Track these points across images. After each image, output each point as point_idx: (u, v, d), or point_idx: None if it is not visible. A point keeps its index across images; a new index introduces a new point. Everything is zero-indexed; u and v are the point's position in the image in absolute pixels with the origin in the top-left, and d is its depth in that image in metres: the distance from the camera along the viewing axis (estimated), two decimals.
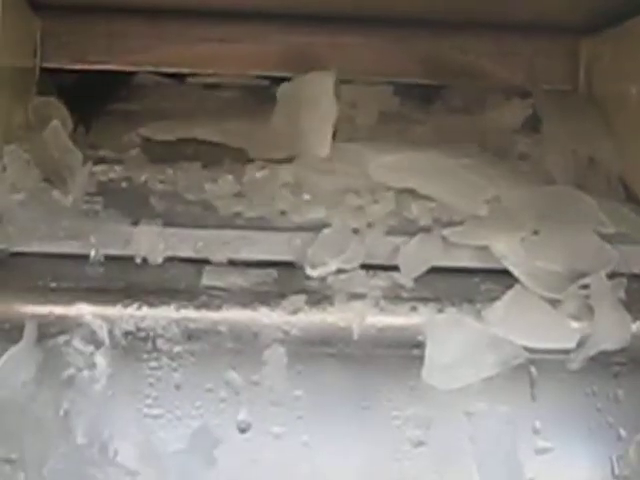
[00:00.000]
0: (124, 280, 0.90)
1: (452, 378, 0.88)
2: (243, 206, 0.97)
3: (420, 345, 0.88)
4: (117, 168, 1.02)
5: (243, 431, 0.89)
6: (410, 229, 0.94)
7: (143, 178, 1.01)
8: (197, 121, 1.12)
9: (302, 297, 0.89)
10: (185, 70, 1.23)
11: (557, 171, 1.07)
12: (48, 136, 1.00)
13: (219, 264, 0.92)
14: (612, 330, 0.89)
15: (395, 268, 0.92)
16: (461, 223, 0.95)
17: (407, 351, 0.89)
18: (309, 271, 0.92)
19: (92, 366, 0.87)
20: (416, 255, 0.93)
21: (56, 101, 1.07)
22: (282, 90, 1.12)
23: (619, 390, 0.92)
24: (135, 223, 0.92)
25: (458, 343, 0.89)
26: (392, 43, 1.25)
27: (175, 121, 1.11)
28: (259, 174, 1.02)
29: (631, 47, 1.10)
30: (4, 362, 0.87)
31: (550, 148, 1.10)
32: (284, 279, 0.92)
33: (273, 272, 0.92)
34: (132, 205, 0.96)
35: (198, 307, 0.88)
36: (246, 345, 0.89)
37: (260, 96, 1.21)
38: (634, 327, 0.90)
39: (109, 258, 0.92)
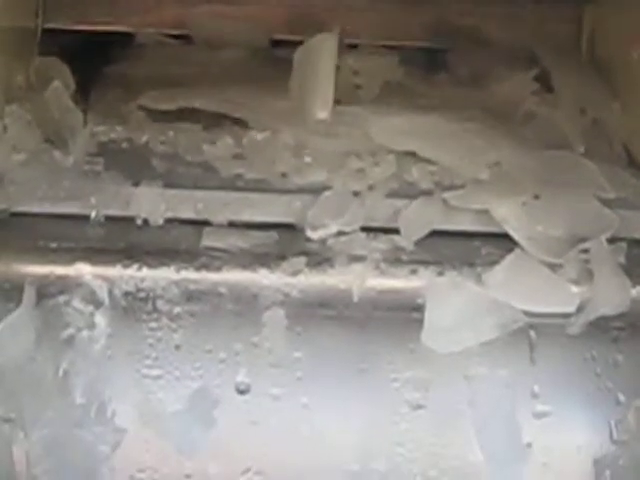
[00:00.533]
0: (124, 241, 0.90)
1: (451, 341, 0.88)
2: (244, 168, 0.97)
3: (420, 308, 0.89)
4: (118, 129, 1.01)
5: (242, 392, 0.89)
6: (411, 192, 0.94)
7: (144, 139, 1.00)
8: (199, 89, 1.08)
9: (302, 259, 0.89)
10: (187, 32, 1.20)
11: (568, 128, 1.07)
12: (49, 96, 1.00)
13: (219, 225, 0.92)
14: (612, 295, 0.90)
15: (396, 231, 0.92)
16: (462, 187, 0.95)
17: (407, 314, 0.90)
18: (309, 233, 0.92)
19: (92, 326, 0.88)
20: (417, 218, 0.93)
21: (58, 61, 1.07)
22: (295, 57, 1.10)
23: (618, 355, 0.92)
24: (136, 184, 0.93)
25: (458, 306, 0.89)
26: (397, 6, 1.24)
27: (176, 89, 1.08)
28: (260, 136, 1.01)
29: (631, 14, 1.09)
30: (3, 327, 0.88)
31: (560, 106, 1.11)
32: (284, 241, 0.92)
33: (273, 234, 0.92)
34: (133, 166, 0.96)
35: (198, 268, 0.89)
36: (246, 307, 0.89)
37: (264, 58, 1.21)
38: (634, 292, 0.90)
39: (109, 219, 0.92)
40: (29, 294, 0.88)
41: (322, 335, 0.91)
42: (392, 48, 1.22)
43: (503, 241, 0.92)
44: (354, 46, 1.21)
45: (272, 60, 1.18)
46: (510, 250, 0.90)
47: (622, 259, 0.92)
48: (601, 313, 0.89)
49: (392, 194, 0.94)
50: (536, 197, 0.95)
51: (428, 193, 0.95)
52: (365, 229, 0.92)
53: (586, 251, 0.91)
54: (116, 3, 1.22)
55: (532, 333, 0.91)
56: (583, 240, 0.92)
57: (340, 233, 0.92)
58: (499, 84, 1.15)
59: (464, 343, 0.88)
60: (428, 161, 1.00)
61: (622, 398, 0.92)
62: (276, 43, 1.23)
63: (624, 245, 0.93)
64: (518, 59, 1.21)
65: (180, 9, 1.22)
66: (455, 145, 1.02)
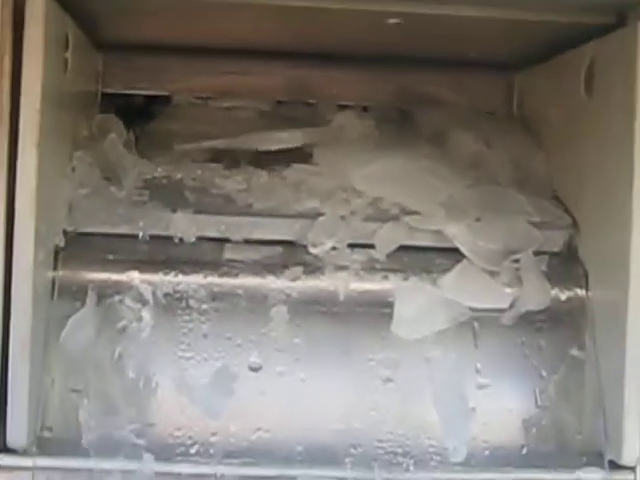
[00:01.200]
0: (165, 254, 0.94)
1: (414, 331, 0.92)
2: (255, 199, 0.99)
3: (390, 305, 0.93)
4: (159, 169, 1.03)
5: (254, 370, 0.91)
6: (383, 217, 0.97)
7: (179, 176, 1.02)
8: (220, 138, 1.10)
9: (300, 268, 0.93)
10: (211, 95, 1.22)
11: (502, 172, 1.08)
12: (107, 145, 1.02)
13: (237, 242, 0.95)
14: (536, 295, 0.94)
15: (371, 246, 0.96)
16: (421, 213, 0.97)
17: (380, 310, 0.94)
18: (311, 249, 0.95)
19: (139, 319, 0.91)
20: (387, 237, 0.96)
21: (114, 118, 1.08)
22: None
23: (541, 341, 0.94)
24: (173, 211, 0.96)
25: (419, 304, 0.93)
26: (373, 76, 1.25)
27: (202, 138, 1.10)
28: (267, 175, 1.03)
29: (553, 79, 1.10)
30: (73, 321, 0.90)
31: (496, 158, 1.11)
32: (286, 254, 0.95)
33: (278, 249, 0.95)
34: (171, 197, 0.98)
35: (221, 275, 0.93)
36: (257, 305, 0.93)
37: (270, 116, 1.22)
38: (553, 293, 0.95)
39: (153, 237, 0.95)
40: (92, 296, 0.91)
41: (316, 326, 0.93)
42: (367, 109, 1.24)
43: (453, 254, 0.96)
44: (342, 106, 1.21)
45: (277, 117, 1.19)
46: (459, 261, 0.95)
47: (544, 267, 0.96)
48: (528, 309, 0.94)
49: (369, 218, 0.97)
50: (478, 220, 0.97)
51: (396, 218, 0.97)
52: (349, 245, 0.96)
53: (517, 261, 0.96)
54: (156, 73, 1.22)
55: (475, 324, 0.94)
56: (515, 252, 0.96)
57: (332, 248, 0.95)
58: (452, 137, 1.14)
59: (424, 332, 0.92)
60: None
61: (544, 373, 0.94)
62: (279, 103, 1.23)
63: (546, 257, 0.97)
64: (467, 117, 1.20)
65: (205, 78, 1.23)
66: (417, 184, 1.01)
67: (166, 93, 1.21)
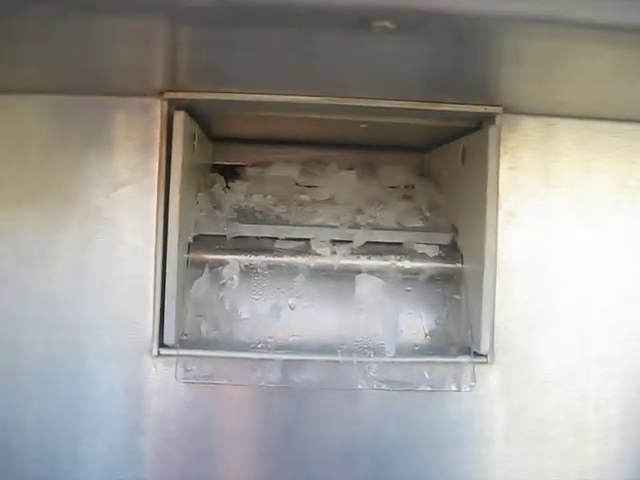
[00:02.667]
0: (244, 245, 0.99)
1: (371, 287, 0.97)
2: (290, 217, 1.02)
3: (360, 271, 0.98)
4: (241, 204, 1.04)
5: (290, 307, 0.96)
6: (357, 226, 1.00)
7: (251, 206, 1.04)
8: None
9: (313, 253, 0.98)
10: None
11: (419, 203, 1.07)
12: (215, 190, 1.05)
13: (281, 239, 0.99)
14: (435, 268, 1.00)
15: (350, 242, 0.99)
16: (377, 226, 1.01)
17: (356, 275, 0.98)
18: (314, 246, 0.99)
19: (232, 279, 0.97)
20: (360, 237, 1.00)
21: (218, 175, 1.09)
22: None
23: (438, 290, 0.99)
24: (248, 223, 0.99)
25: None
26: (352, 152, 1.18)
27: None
28: (296, 203, 1.05)
29: (445, 156, 1.09)
30: (197, 283, 0.97)
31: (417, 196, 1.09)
32: (306, 245, 0.99)
33: (302, 243, 0.99)
34: (246, 216, 1.01)
35: (273, 256, 0.98)
36: (289, 273, 0.98)
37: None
38: (444, 265, 1.00)
39: (237, 237, 0.99)
40: (206, 267, 0.97)
41: (321, 283, 0.98)
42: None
43: (398, 247, 1.00)
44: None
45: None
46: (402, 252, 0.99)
47: (440, 252, 1.00)
48: (433, 274, 0.99)
49: (351, 227, 1.00)
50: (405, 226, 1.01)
51: (364, 227, 1.00)
52: (337, 241, 0.99)
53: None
54: (240, 153, 1.19)
55: (406, 282, 0.98)
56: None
57: (332, 242, 0.99)
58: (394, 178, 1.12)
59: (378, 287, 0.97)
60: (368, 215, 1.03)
61: (440, 307, 0.99)
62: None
63: (438, 247, 1.00)
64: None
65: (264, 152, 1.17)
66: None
67: (244, 163, 1.17)
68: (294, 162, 1.13)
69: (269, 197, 1.06)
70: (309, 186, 1.10)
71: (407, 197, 1.10)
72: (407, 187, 1.13)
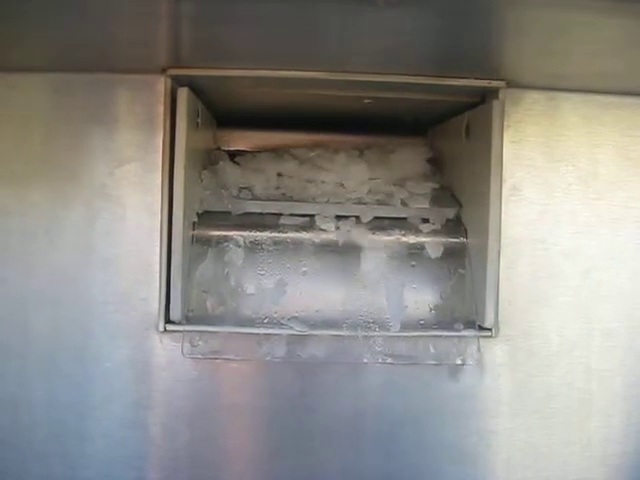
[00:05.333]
0: (249, 221, 0.99)
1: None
2: (295, 193, 1.03)
3: (363, 248, 0.98)
4: (243, 181, 1.03)
5: (297, 284, 0.96)
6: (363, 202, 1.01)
7: (254, 184, 1.03)
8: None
9: (318, 229, 0.98)
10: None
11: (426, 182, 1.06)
12: (219, 167, 1.04)
13: (286, 215, 0.99)
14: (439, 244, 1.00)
15: (358, 217, 0.99)
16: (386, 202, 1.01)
17: (359, 249, 0.98)
18: (319, 222, 0.98)
19: (237, 254, 0.97)
20: (364, 213, 1.00)
21: (223, 152, 1.09)
22: None
23: (444, 264, 0.99)
24: (252, 199, 1.00)
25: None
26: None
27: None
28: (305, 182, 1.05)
29: (450, 131, 1.08)
30: (207, 261, 0.97)
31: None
32: (310, 221, 0.99)
33: (307, 219, 0.99)
34: (250, 194, 1.01)
35: (278, 232, 0.98)
36: (297, 247, 0.98)
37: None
38: (450, 240, 1.00)
39: (242, 213, 0.99)
40: (212, 243, 0.98)
41: (326, 259, 0.98)
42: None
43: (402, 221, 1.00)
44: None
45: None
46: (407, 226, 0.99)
47: (445, 226, 1.00)
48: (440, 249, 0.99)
49: (357, 203, 1.01)
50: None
51: (369, 203, 1.01)
52: (341, 216, 0.99)
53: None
54: (242, 139, 1.20)
55: (412, 257, 0.99)
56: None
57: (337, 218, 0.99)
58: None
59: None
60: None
61: (445, 281, 0.99)
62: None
63: (445, 221, 1.01)
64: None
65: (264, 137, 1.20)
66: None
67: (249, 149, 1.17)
68: (301, 148, 1.13)
69: (274, 175, 1.06)
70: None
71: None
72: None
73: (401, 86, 0.92)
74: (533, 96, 0.96)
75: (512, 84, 0.93)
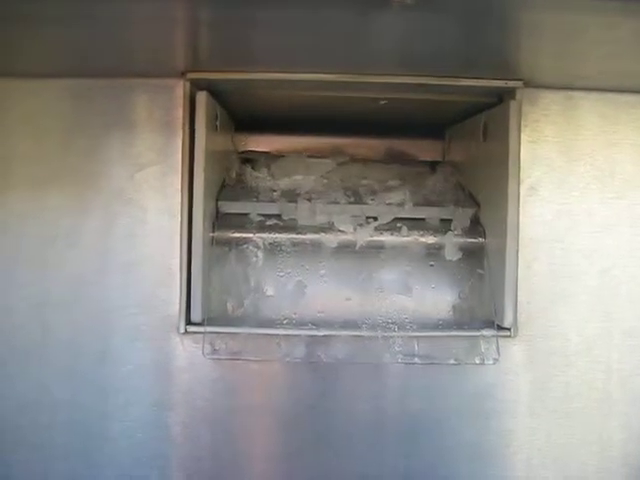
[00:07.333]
0: (269, 223, 0.98)
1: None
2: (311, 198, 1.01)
3: (383, 247, 0.98)
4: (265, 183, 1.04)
5: (316, 285, 0.97)
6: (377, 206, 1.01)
7: (272, 187, 1.03)
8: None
9: (334, 232, 0.98)
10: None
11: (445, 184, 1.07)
12: (239, 170, 1.06)
13: (305, 217, 0.98)
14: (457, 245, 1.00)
15: (375, 218, 0.99)
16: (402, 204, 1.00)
17: (378, 251, 0.99)
18: (338, 223, 0.98)
19: (256, 256, 0.97)
20: (381, 215, 1.00)
21: (241, 155, 1.10)
22: None
23: (462, 264, 0.99)
24: (272, 201, 1.00)
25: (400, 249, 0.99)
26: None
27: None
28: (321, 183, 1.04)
29: (466, 131, 1.08)
30: (225, 265, 0.97)
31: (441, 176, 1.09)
32: (331, 223, 0.98)
33: (325, 220, 0.98)
34: (267, 197, 1.02)
35: (297, 234, 0.98)
36: (314, 248, 0.98)
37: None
38: (468, 240, 1.00)
39: (261, 215, 0.99)
40: (233, 244, 0.98)
41: (345, 260, 0.98)
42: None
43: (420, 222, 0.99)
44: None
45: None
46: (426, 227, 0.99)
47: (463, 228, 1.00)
48: (457, 249, 0.99)
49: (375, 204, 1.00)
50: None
51: (388, 204, 1.00)
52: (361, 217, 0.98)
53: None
54: (260, 133, 1.19)
55: (430, 257, 0.99)
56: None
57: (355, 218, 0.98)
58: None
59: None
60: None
61: (464, 281, 0.99)
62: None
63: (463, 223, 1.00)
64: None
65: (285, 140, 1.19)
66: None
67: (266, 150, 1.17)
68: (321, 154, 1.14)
69: (294, 177, 1.06)
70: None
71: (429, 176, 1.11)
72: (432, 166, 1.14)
73: (418, 87, 0.92)
74: (550, 96, 0.95)
75: (529, 84, 0.93)
